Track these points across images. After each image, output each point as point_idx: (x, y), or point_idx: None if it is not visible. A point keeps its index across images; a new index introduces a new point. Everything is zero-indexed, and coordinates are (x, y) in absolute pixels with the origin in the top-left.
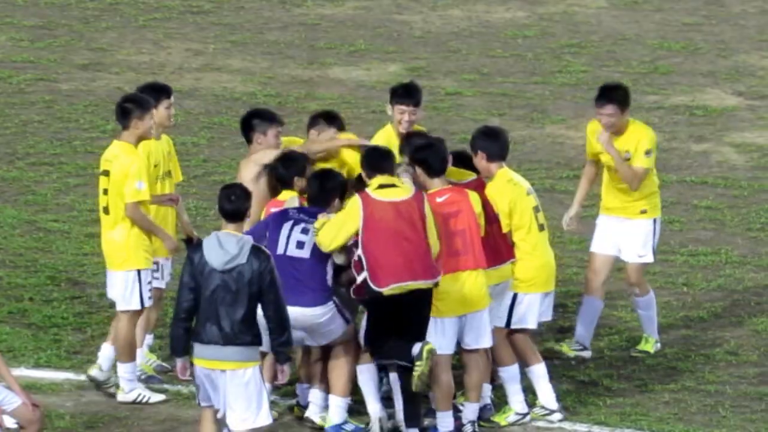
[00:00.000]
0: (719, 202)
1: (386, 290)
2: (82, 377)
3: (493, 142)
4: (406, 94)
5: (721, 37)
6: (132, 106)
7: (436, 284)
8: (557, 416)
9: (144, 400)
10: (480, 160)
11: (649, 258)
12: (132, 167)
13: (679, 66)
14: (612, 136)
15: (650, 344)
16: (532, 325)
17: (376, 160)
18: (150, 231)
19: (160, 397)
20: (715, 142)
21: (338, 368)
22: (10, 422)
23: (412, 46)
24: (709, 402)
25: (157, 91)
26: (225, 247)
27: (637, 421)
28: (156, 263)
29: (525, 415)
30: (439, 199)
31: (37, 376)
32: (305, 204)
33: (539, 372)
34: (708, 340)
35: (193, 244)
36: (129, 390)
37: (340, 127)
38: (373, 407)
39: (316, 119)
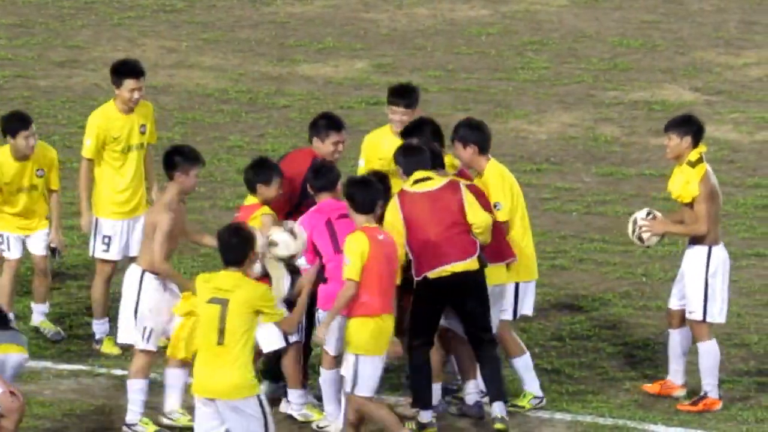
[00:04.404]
0: None
1: (431, 274)
2: (61, 366)
3: (482, 134)
4: (398, 94)
5: (679, 34)
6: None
7: (484, 264)
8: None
9: None
10: (470, 153)
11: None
12: None
13: (638, 62)
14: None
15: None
16: (530, 311)
17: (411, 161)
18: None
19: None
20: None
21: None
22: None
23: (378, 43)
24: None
25: (18, 121)
26: None
27: (598, 408)
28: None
29: (542, 398)
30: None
31: None
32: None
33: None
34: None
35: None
36: None
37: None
38: (332, 408)
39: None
